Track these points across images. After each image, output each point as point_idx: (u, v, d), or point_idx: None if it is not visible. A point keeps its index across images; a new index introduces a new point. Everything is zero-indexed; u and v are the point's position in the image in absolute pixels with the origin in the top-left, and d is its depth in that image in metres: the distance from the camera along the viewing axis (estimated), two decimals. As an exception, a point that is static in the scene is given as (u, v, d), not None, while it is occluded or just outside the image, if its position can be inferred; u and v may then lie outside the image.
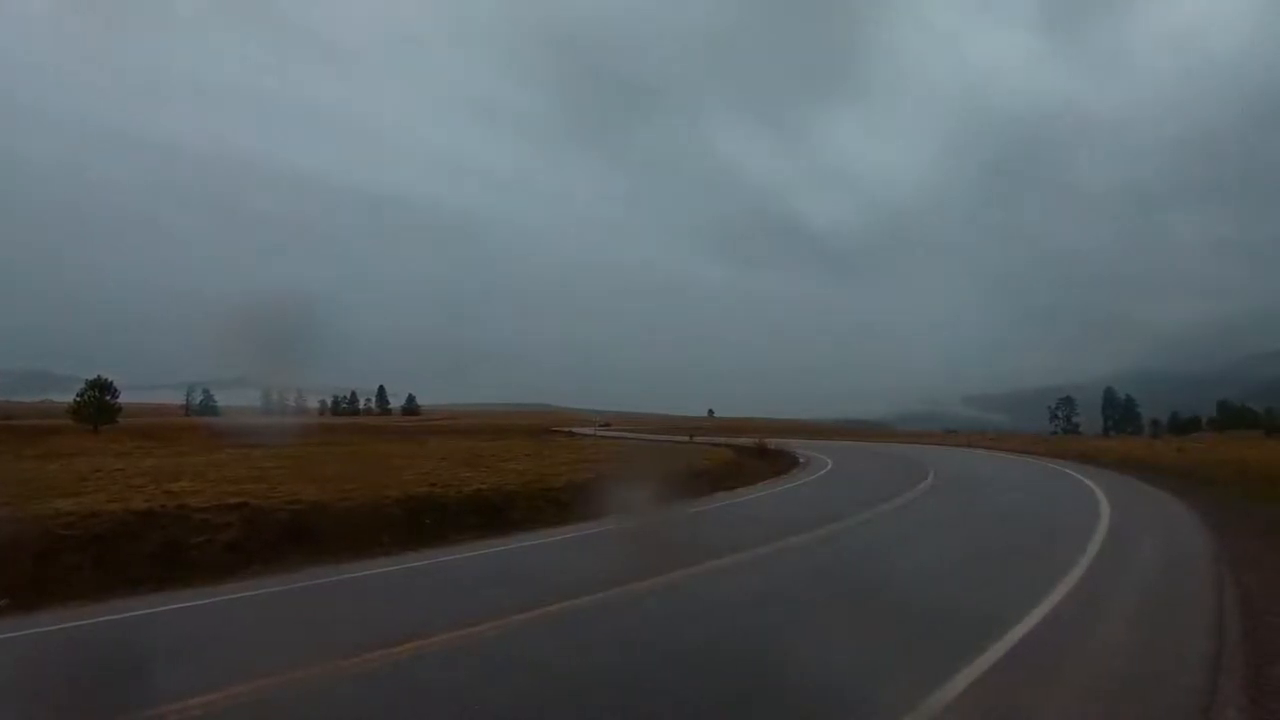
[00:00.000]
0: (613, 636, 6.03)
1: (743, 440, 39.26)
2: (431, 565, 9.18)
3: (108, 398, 58.34)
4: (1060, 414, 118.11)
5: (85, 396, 57.94)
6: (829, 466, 28.04)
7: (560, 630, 6.14)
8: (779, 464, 27.60)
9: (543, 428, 74.78)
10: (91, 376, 58.88)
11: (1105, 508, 14.26)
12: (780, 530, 11.41)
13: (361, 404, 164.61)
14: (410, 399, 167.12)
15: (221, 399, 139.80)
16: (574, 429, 72.95)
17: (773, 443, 36.43)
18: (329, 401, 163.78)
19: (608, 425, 78.90)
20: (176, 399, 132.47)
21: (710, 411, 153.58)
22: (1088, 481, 20.11)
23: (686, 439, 45.27)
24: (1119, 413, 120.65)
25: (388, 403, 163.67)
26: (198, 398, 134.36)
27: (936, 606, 6.90)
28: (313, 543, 9.62)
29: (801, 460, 30.24)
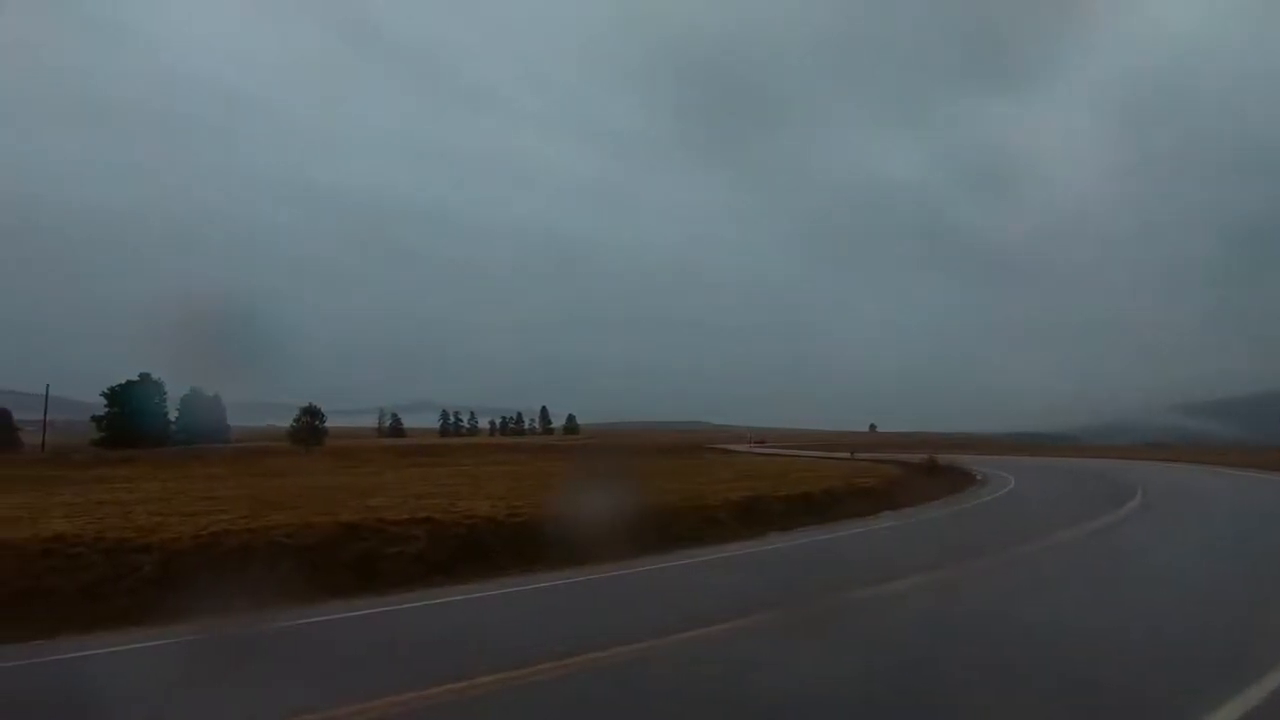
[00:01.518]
0: (777, 664, 5.81)
1: (909, 456, 36.92)
2: (594, 581, 9.43)
3: (317, 422, 66.48)
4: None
5: (299, 421, 66.42)
6: (1011, 484, 25.62)
7: (717, 652, 6.02)
8: (953, 481, 25.61)
9: (697, 445, 74.93)
10: (304, 403, 67.48)
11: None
12: (956, 552, 10.54)
13: (526, 424, 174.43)
14: (570, 418, 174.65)
15: (407, 421, 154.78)
16: (728, 446, 72.39)
17: (944, 458, 33.91)
18: (497, 422, 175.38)
19: (762, 442, 77.49)
20: (370, 421, 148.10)
21: (872, 426, 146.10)
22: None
23: (847, 455, 43.32)
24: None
25: (550, 422, 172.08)
26: (387, 420, 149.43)
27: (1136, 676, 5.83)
28: (485, 557, 10.24)
29: (979, 477, 27.89)
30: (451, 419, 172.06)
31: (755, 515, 13.99)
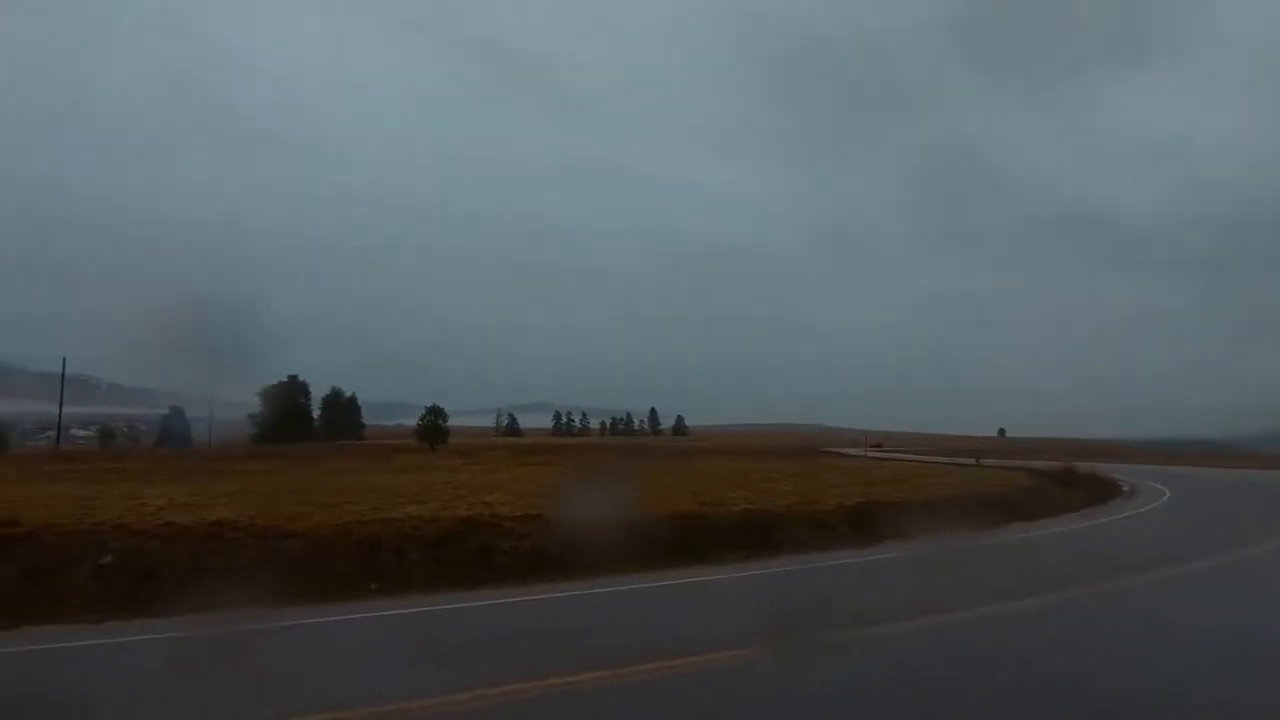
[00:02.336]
0: (864, 676, 5.54)
1: (1043, 464, 34.24)
2: (697, 584, 9.40)
3: (440, 422, 70.38)
4: None
5: (425, 421, 70.58)
6: (1164, 497, 23.19)
7: (813, 663, 5.81)
8: (1094, 491, 23.48)
9: (810, 448, 73.04)
10: (429, 404, 71.75)
11: None
12: (1086, 571, 9.67)
13: (635, 425, 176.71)
14: (679, 420, 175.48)
15: (523, 421, 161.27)
16: (842, 450, 70.04)
17: (1085, 467, 31.18)
18: (607, 423, 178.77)
19: (878, 446, 74.30)
20: (489, 421, 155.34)
21: (1001, 431, 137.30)
22: None
23: (972, 461, 40.80)
24: None
25: (658, 424, 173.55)
26: (504, 420, 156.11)
27: None
28: (595, 555, 10.46)
29: (1125, 488, 25.45)
30: (564, 419, 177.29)
31: (869, 522, 13.46)
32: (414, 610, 7.85)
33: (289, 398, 74.14)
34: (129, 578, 8.18)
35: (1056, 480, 25.38)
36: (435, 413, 70.73)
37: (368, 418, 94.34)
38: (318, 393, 79.48)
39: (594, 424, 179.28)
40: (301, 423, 74.48)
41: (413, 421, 75.62)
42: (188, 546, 8.93)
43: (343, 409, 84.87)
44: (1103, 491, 23.73)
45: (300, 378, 75.55)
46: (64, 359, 55.26)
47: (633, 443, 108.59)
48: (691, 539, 11.27)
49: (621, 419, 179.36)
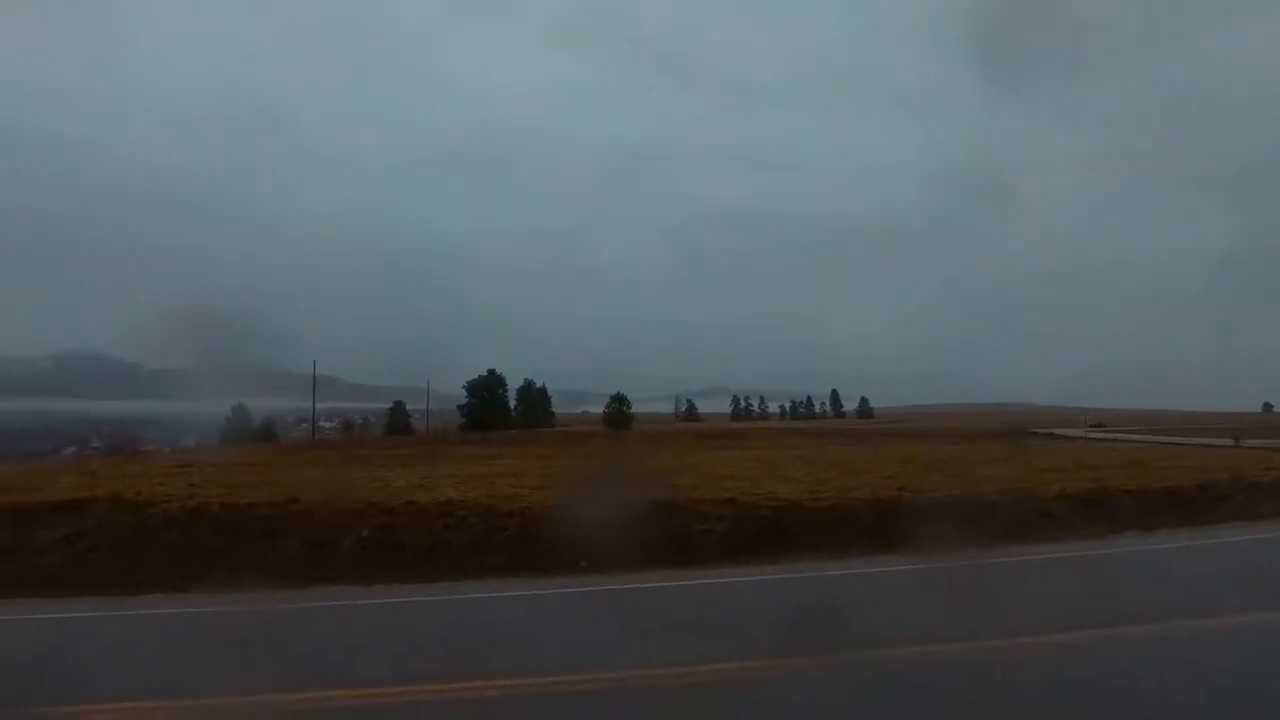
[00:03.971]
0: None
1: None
2: (897, 574, 8.95)
3: (624, 409, 73.50)
4: None
5: (610, 408, 74.11)
6: None
7: (1040, 663, 5.30)
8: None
9: (1016, 429, 66.38)
10: (613, 392, 75.20)
11: None
12: None
13: (816, 408, 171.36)
14: (863, 401, 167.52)
15: (700, 406, 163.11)
16: (1056, 430, 62.78)
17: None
18: (787, 406, 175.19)
19: (1100, 425, 65.55)
20: (668, 407, 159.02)
21: (1267, 405, 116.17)
22: None
23: (1230, 442, 34.78)
24: None
25: (841, 406, 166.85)
26: (683, 406, 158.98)
27: None
28: (790, 539, 10.35)
29: None
30: (742, 404, 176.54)
31: (1101, 511, 12.01)
32: (622, 587, 8.30)
33: (489, 389, 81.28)
34: (384, 548, 9.47)
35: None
36: (619, 400, 74.02)
37: (556, 406, 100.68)
38: (513, 384, 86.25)
39: (773, 408, 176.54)
40: (501, 412, 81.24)
41: (597, 409, 79.64)
42: (426, 523, 10.14)
43: (535, 399, 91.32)
44: None
45: (498, 371, 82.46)
46: (314, 362, 64.80)
47: (815, 426, 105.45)
48: (890, 525, 10.77)
49: (801, 403, 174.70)
